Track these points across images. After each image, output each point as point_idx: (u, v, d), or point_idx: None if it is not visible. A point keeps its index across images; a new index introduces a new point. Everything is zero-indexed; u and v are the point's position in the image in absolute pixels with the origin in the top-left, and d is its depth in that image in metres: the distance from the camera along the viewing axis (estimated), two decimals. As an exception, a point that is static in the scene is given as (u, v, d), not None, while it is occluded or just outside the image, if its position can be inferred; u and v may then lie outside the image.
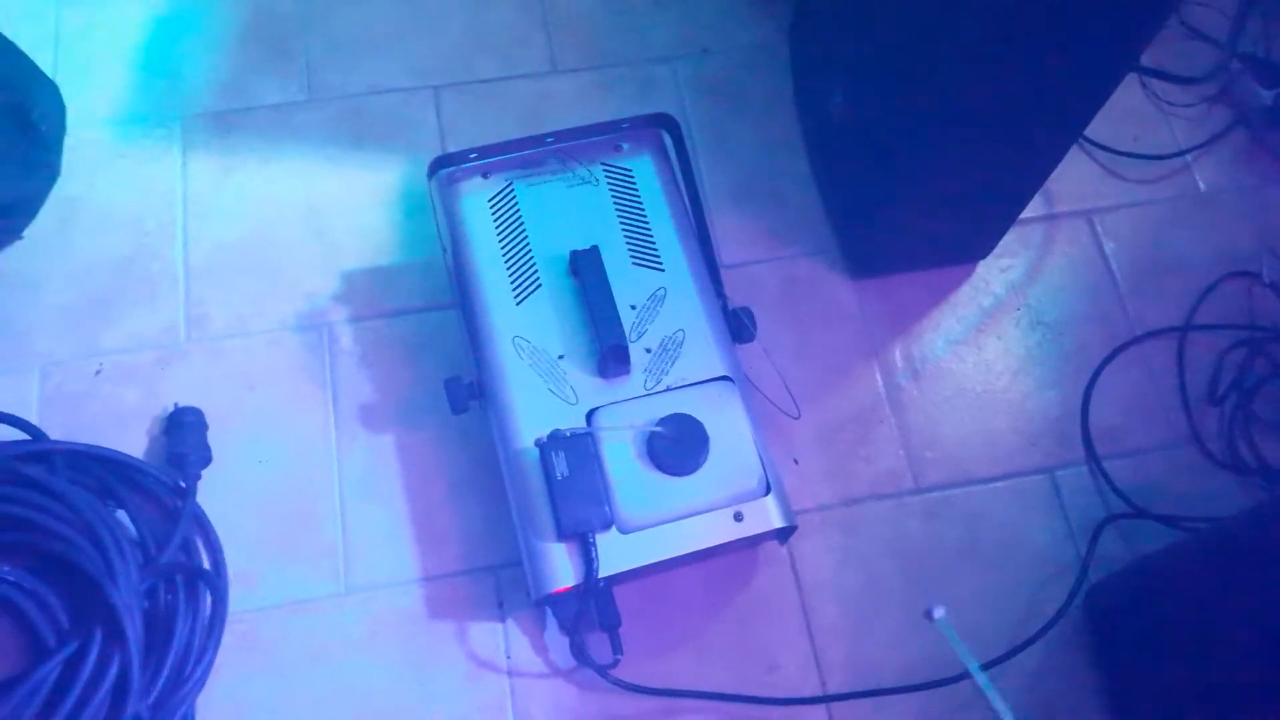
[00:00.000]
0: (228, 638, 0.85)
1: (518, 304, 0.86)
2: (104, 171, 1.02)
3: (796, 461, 0.95)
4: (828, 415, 0.97)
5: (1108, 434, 0.98)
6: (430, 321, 0.97)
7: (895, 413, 0.98)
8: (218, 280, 0.98)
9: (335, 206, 1.02)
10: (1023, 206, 0.99)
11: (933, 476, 0.95)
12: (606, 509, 0.78)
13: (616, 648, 0.84)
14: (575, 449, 0.79)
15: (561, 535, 0.78)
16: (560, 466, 0.78)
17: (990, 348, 1.01)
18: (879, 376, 0.99)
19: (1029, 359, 1.01)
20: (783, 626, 0.89)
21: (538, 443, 0.79)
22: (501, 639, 0.87)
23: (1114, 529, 0.94)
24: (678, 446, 0.80)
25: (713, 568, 0.90)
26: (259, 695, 0.84)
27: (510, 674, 0.86)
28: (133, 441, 0.91)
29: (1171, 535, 0.92)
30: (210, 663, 0.83)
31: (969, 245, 1.03)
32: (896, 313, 1.02)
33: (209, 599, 0.85)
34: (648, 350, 0.85)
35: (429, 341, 0.96)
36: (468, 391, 0.85)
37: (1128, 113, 1.13)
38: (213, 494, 0.89)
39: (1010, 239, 1.03)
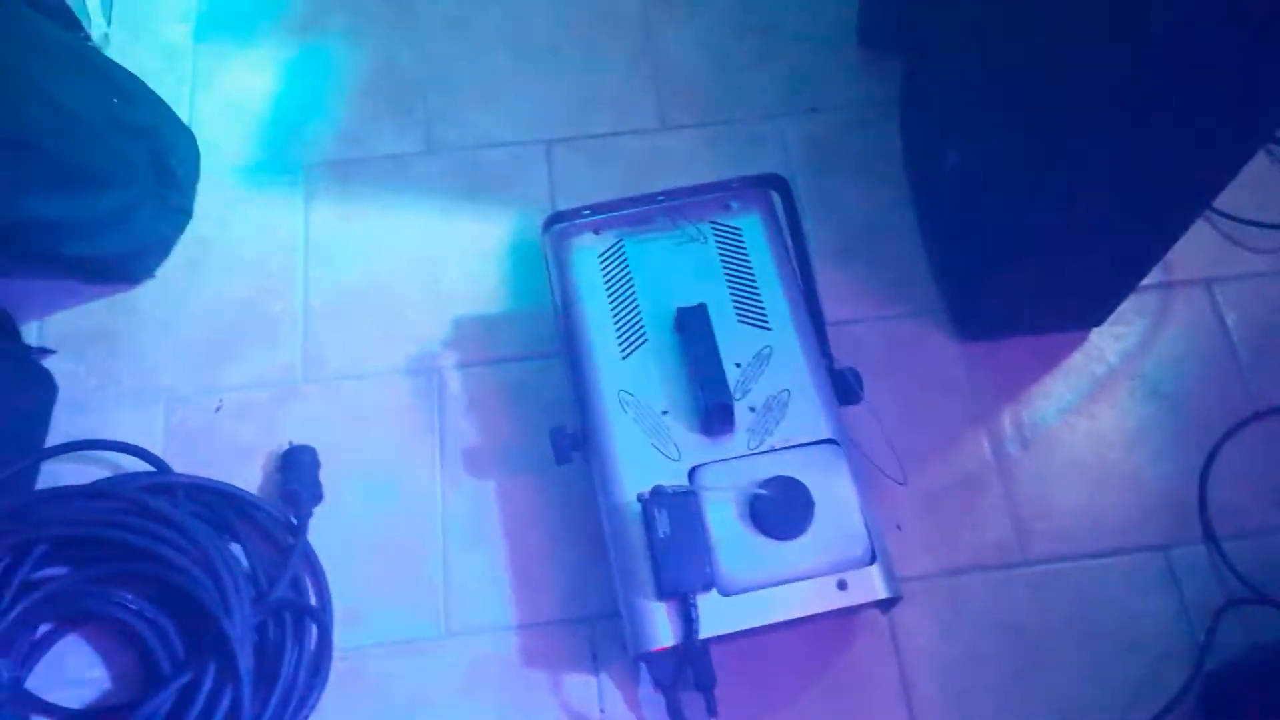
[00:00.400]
0: (332, 674, 0.87)
1: (624, 358, 0.87)
2: (233, 215, 1.07)
3: (900, 528, 0.93)
4: (933, 481, 0.95)
5: (1227, 513, 0.94)
6: (534, 371, 0.99)
7: (1003, 481, 0.95)
8: (335, 323, 1.02)
9: (448, 255, 1.05)
10: (1143, 275, 0.96)
11: (1041, 549, 0.93)
12: (708, 569, 0.78)
13: (711, 709, 0.83)
14: (678, 507, 0.79)
15: (662, 594, 0.78)
16: (663, 524, 0.78)
17: (1104, 417, 0.99)
18: (986, 443, 0.97)
19: (1144, 430, 0.98)
20: (880, 697, 0.87)
21: (640, 498, 0.79)
22: (595, 692, 0.87)
23: (1233, 614, 0.89)
24: (781, 509, 0.79)
25: (811, 632, 0.88)
26: (358, 731, 0.86)
27: (612, 729, 0.86)
28: (248, 477, 0.94)
29: (1297, 624, 0.88)
30: (316, 700, 0.85)
31: (1084, 312, 1.01)
32: (1006, 378, 1.00)
33: (315, 635, 0.87)
34: (752, 409, 0.84)
35: (533, 390, 0.98)
36: (571, 442, 0.86)
37: (1251, 179, 1.09)
38: (322, 531, 0.92)
39: (1126, 306, 1.00)
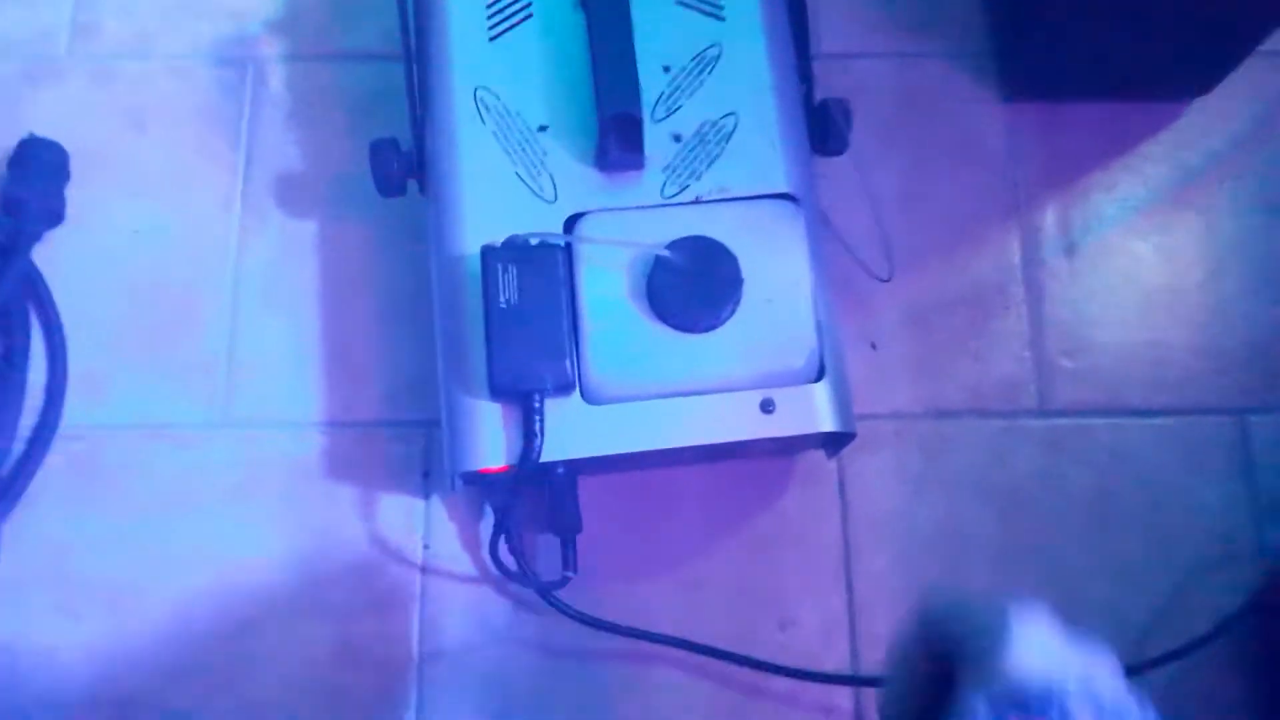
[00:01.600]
0: (59, 455, 0.63)
1: (491, 39, 0.57)
2: None
3: (874, 346, 0.66)
4: (932, 286, 0.68)
5: (1335, 375, 0.67)
6: (392, 75, 0.69)
7: (1030, 297, 0.68)
8: (119, -21, 0.72)
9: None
10: (1269, 32, 0.65)
11: (1067, 395, 0.66)
12: (567, 364, 0.51)
13: (569, 561, 0.58)
14: (536, 265, 0.52)
15: (495, 391, 0.51)
16: (508, 288, 0.51)
17: (1184, 228, 0.70)
18: (1016, 243, 0.69)
19: (1238, 253, 0.69)
20: (811, 570, 0.63)
21: (484, 250, 0.52)
22: (420, 520, 0.63)
23: (1319, 510, 0.64)
24: (692, 285, 0.52)
25: (725, 474, 0.63)
26: (88, 535, 0.62)
27: (424, 569, 0.62)
28: (-30, 177, 0.67)
29: None
30: (24, 485, 0.61)
31: (1180, 75, 0.70)
32: (1059, 156, 0.70)
33: (40, 395, 0.62)
34: (676, 137, 0.56)
35: (386, 102, 0.68)
36: (403, 164, 0.58)
37: None
38: (60, 265, 0.65)
39: (1241, 77, 0.70)
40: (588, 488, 0.59)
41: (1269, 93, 0.72)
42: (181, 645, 0.60)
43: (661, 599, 0.62)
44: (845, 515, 0.64)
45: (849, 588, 0.63)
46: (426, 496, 0.63)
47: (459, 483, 0.54)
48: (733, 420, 0.52)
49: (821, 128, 0.59)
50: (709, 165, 0.55)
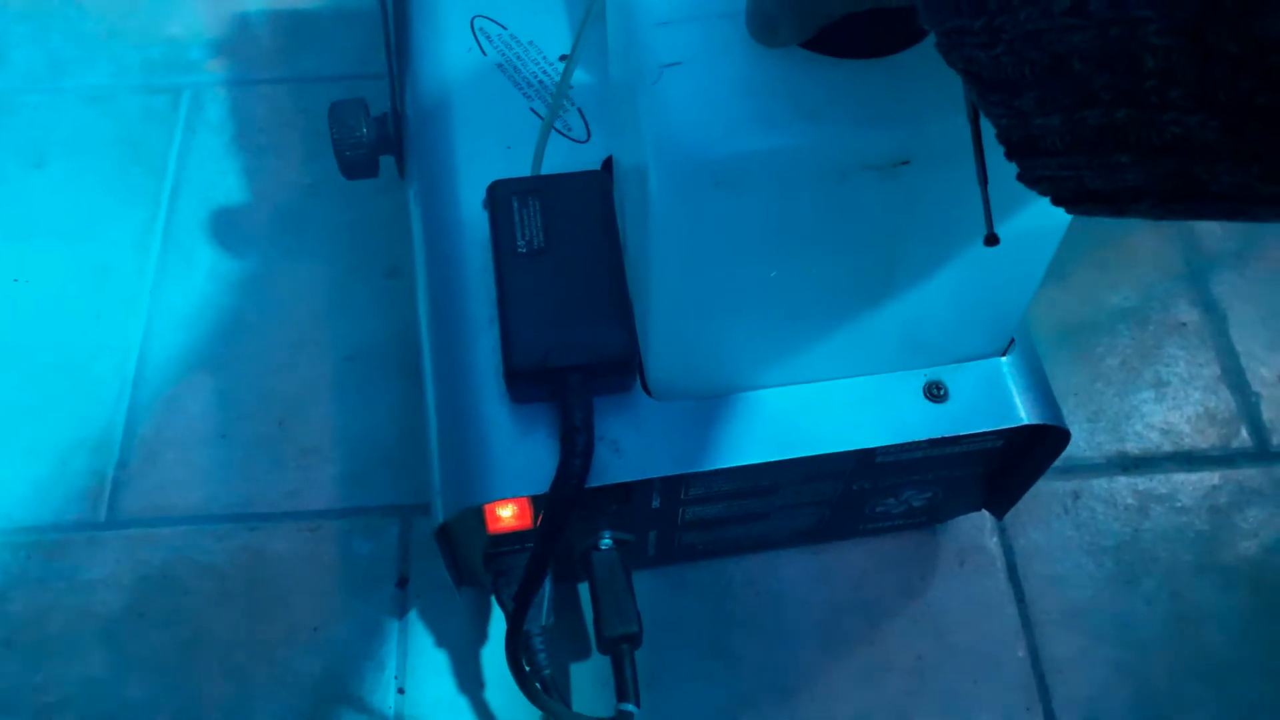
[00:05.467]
0: None
1: (491, -43, 0.43)
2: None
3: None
4: (1082, 301, 0.51)
5: None
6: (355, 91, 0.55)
7: (1206, 316, 0.51)
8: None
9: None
10: None
11: (1291, 430, 0.48)
12: (624, 328, 0.33)
13: (627, 688, 0.37)
14: (569, 197, 0.35)
15: (515, 373, 0.33)
16: (528, 228, 0.34)
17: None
18: (1177, 251, 0.53)
19: None
20: (988, 703, 0.42)
21: (493, 186, 0.35)
22: (392, 651, 0.42)
23: None
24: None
25: (837, 566, 0.43)
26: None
27: (399, 717, 0.40)
28: None
29: None
30: None
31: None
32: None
33: None
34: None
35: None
36: (374, 133, 0.42)
37: None
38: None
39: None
40: (638, 589, 0.39)
41: None
42: None
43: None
44: (1025, 614, 0.43)
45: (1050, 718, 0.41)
46: (402, 616, 0.42)
47: (457, 558, 0.34)
48: (882, 415, 0.34)
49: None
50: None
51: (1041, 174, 0.21)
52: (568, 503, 0.32)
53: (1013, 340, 0.35)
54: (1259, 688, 0.42)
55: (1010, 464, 0.38)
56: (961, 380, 0.34)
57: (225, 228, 0.51)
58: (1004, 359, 0.35)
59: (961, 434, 0.34)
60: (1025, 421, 0.34)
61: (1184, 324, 0.50)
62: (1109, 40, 0.18)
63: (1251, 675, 0.42)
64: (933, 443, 0.35)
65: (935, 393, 0.34)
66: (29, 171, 0.53)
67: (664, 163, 0.26)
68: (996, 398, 0.34)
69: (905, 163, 0.27)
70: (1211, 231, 0.53)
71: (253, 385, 0.47)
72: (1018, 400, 0.34)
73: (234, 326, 0.49)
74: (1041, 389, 0.35)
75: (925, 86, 0.26)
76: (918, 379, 0.34)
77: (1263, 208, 0.19)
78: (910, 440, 0.33)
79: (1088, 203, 0.21)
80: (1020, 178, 0.21)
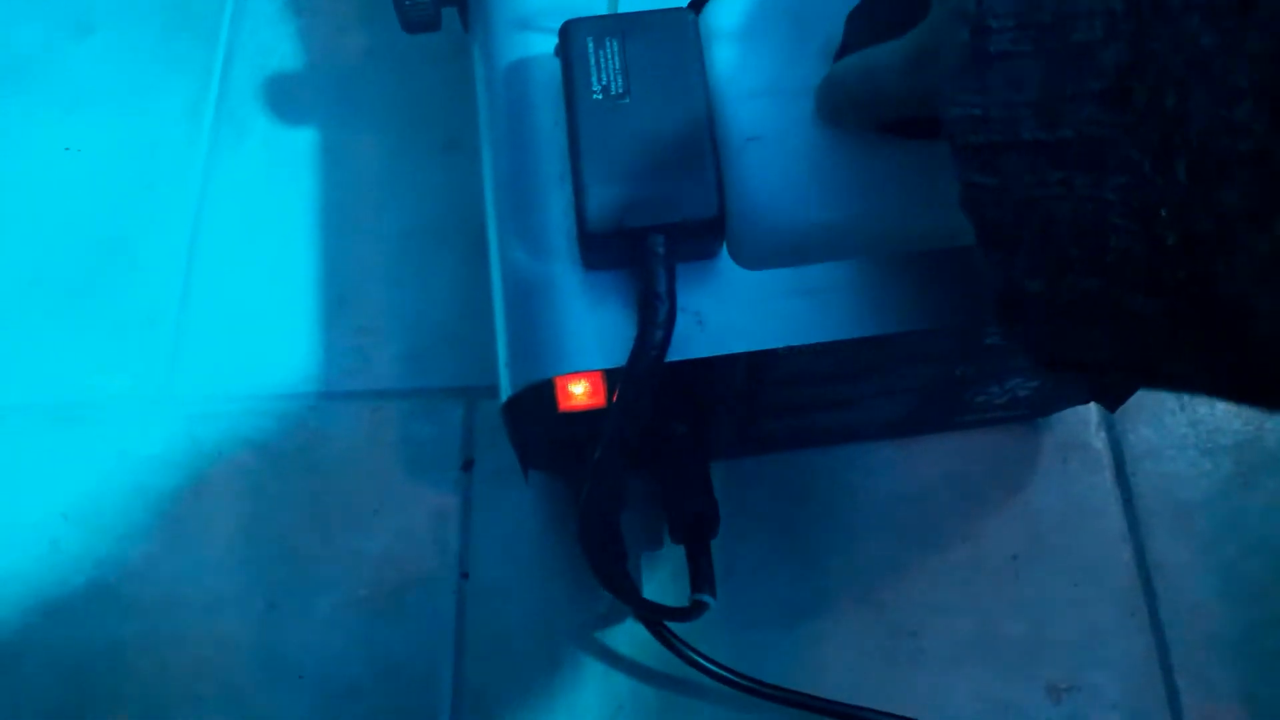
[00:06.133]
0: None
1: None
2: None
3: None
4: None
5: None
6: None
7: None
8: None
9: None
10: None
11: None
12: (713, 181, 0.30)
13: (703, 579, 0.35)
14: (652, 36, 0.31)
15: (591, 233, 0.29)
16: (605, 72, 0.31)
17: None
18: None
19: None
20: (1092, 604, 0.39)
21: (566, 25, 0.32)
22: (456, 536, 0.40)
23: None
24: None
25: (930, 458, 0.41)
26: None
27: (460, 611, 0.39)
28: None
29: None
30: None
31: None
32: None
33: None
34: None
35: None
36: (437, -24, 0.39)
37: None
38: (-42, 188, 0.47)
39: None
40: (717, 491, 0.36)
41: None
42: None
43: (837, 649, 0.38)
44: (1131, 514, 0.40)
45: (1156, 626, 0.38)
46: (466, 499, 0.41)
47: (525, 438, 0.32)
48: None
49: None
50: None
51: (1023, 337, 0.23)
52: (647, 376, 0.29)
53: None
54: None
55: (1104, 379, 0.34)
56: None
57: (280, 97, 0.49)
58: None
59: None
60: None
61: None
62: (1086, 214, 0.20)
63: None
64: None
65: (1059, 262, 0.30)
66: (76, 40, 0.50)
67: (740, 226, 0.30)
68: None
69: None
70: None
71: (309, 261, 0.45)
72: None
73: (290, 200, 0.46)
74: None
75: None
76: (1039, 247, 0.30)
77: (1216, 397, 0.21)
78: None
79: (1062, 369, 0.23)
80: (1004, 337, 0.24)
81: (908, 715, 0.36)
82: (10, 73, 0.49)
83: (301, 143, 0.47)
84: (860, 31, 0.30)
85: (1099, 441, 0.41)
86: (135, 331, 0.44)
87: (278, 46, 0.50)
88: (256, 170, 0.47)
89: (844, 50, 0.31)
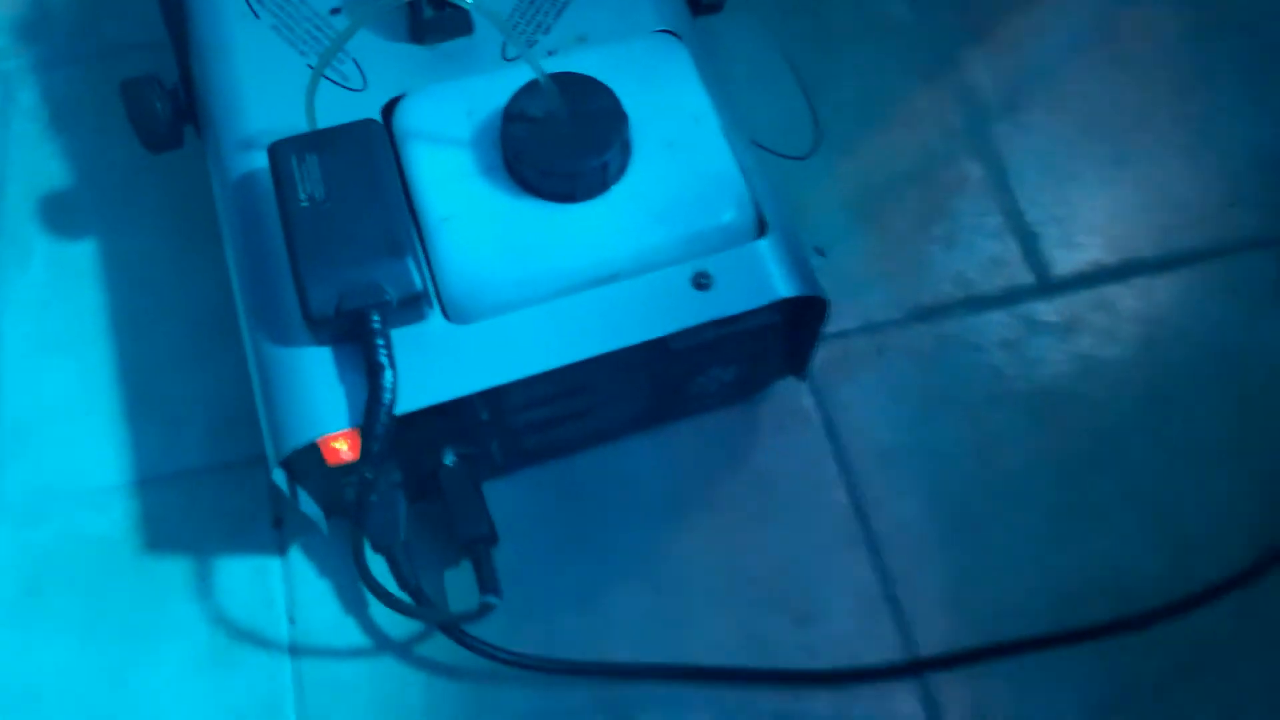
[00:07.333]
0: None
1: (251, -79, 0.45)
2: None
3: (821, 252, 0.53)
4: (868, 170, 0.55)
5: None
6: (165, 62, 0.56)
7: (987, 168, 0.56)
8: None
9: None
10: None
11: (1067, 263, 0.53)
12: (410, 262, 0.36)
13: (488, 581, 0.42)
14: (342, 149, 0.37)
15: (314, 318, 0.36)
16: (308, 182, 0.37)
17: (1142, 57, 0.59)
18: (954, 107, 0.57)
19: (1219, 68, 0.59)
20: (818, 541, 0.47)
21: (272, 147, 0.38)
22: (279, 585, 0.46)
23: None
24: (561, 135, 0.38)
25: (671, 443, 0.48)
26: None
27: (294, 650, 0.45)
28: None
29: None
30: None
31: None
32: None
33: None
34: (512, -10, 0.44)
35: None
36: (169, 104, 0.44)
37: None
38: None
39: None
40: (496, 497, 0.43)
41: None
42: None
43: (623, 619, 0.45)
44: (842, 460, 0.49)
45: (874, 550, 0.47)
46: (283, 552, 0.46)
47: (280, 485, 0.38)
48: (657, 310, 0.38)
49: (696, -27, 0.48)
50: (558, 14, 0.43)
51: None
52: (384, 432, 0.35)
53: (765, 223, 0.39)
54: (1050, 497, 0.48)
55: (793, 332, 0.42)
56: (723, 266, 0.38)
57: (57, 214, 0.53)
58: (761, 241, 0.39)
59: (729, 315, 0.38)
60: (782, 295, 0.38)
61: (966, 178, 0.55)
62: None
63: (1045, 487, 0.48)
64: (715, 324, 0.39)
65: (702, 281, 0.38)
66: None
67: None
68: (756, 278, 0.38)
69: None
70: (984, 85, 0.57)
71: (108, 362, 0.49)
72: (775, 277, 0.38)
73: (81, 309, 0.50)
74: (797, 263, 0.39)
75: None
76: (686, 272, 0.38)
77: None
78: (682, 327, 0.37)
79: None
80: None
81: (684, 662, 0.43)
82: None
83: (84, 254, 0.52)
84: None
85: (809, 405, 0.49)
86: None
87: (46, 166, 0.54)
88: (44, 287, 0.51)
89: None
